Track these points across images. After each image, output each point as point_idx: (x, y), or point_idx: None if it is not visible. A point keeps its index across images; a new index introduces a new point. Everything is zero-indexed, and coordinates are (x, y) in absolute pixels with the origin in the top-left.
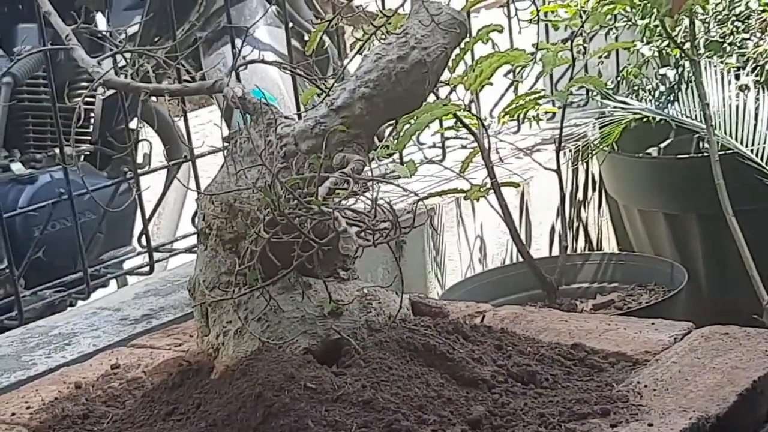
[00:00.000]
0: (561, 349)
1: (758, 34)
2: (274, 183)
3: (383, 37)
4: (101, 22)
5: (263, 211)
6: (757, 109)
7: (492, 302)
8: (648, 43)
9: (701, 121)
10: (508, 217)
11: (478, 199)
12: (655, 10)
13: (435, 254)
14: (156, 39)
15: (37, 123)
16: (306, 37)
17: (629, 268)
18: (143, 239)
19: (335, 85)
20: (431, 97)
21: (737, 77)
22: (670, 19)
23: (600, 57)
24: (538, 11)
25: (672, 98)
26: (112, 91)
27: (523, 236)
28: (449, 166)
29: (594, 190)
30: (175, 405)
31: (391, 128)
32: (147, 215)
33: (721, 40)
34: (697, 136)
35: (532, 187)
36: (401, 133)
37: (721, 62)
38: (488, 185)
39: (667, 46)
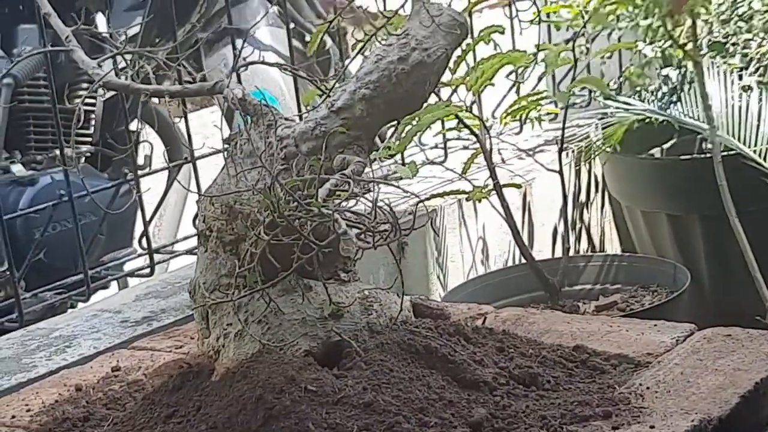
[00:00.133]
0: (563, 351)
1: (761, 35)
2: (274, 185)
3: (384, 38)
4: (102, 23)
5: (263, 213)
6: (760, 109)
7: (494, 304)
8: (650, 43)
9: (704, 122)
10: (511, 219)
11: (480, 201)
12: (656, 11)
13: (437, 256)
14: (157, 40)
15: (38, 124)
16: (307, 38)
17: (632, 269)
18: (144, 241)
19: (336, 86)
20: (433, 98)
21: (740, 78)
22: (671, 20)
23: (602, 57)
24: (539, 12)
25: (675, 99)
26: (112, 93)
27: (525, 238)
28: (451, 167)
29: (597, 191)
30: (175, 407)
31: (393, 129)
32: (148, 217)
33: (724, 40)
34: (700, 136)
35: (534, 188)
36: (403, 134)
37: (724, 63)
38: (490, 186)
39: (670, 46)
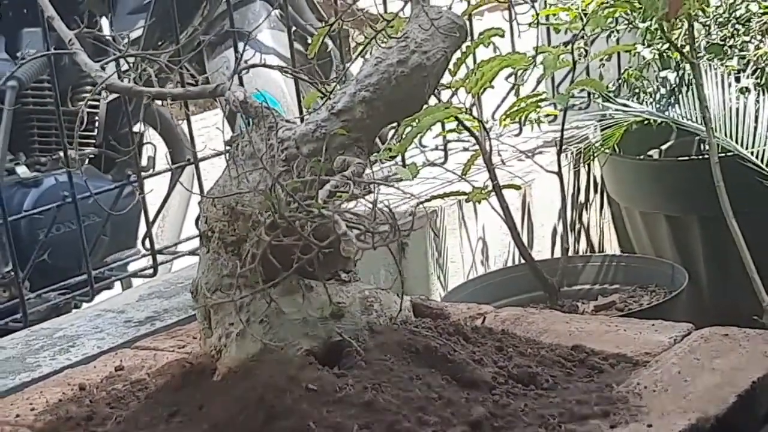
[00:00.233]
0: (561, 350)
1: (759, 37)
2: (275, 186)
3: (384, 41)
4: (105, 26)
5: (264, 214)
6: (757, 111)
7: (494, 304)
8: (649, 45)
9: (702, 124)
10: (510, 220)
11: (480, 202)
12: (654, 14)
13: (437, 256)
14: (160, 43)
15: (42, 126)
16: (309, 41)
17: (630, 269)
18: (147, 242)
19: (337, 88)
20: (433, 100)
21: (738, 80)
22: (668, 23)
23: (601, 60)
24: (537, 15)
25: (673, 101)
26: (116, 95)
27: (524, 238)
28: (451, 169)
29: (595, 192)
30: (178, 406)
31: (393, 131)
32: (151, 218)
33: (722, 42)
34: (698, 138)
35: (533, 190)
36: (403, 136)
37: (722, 65)
38: (490, 188)
39: (668, 49)
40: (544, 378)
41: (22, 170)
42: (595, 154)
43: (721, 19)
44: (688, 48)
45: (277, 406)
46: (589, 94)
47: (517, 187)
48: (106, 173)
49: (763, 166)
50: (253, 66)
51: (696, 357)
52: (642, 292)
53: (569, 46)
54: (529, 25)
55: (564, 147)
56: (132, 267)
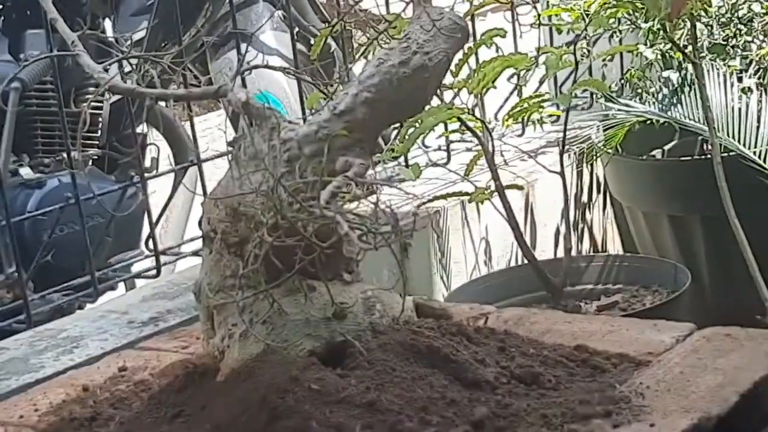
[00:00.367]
0: (564, 350)
1: (761, 37)
2: (277, 187)
3: (386, 42)
4: (108, 27)
5: (267, 215)
6: (759, 111)
7: (497, 304)
8: (651, 46)
9: (704, 124)
10: (513, 220)
11: (482, 202)
12: (655, 13)
13: (440, 256)
14: (163, 44)
15: (45, 128)
16: (312, 41)
17: (633, 269)
18: (150, 243)
19: (339, 89)
20: (436, 101)
21: (740, 80)
22: (670, 23)
23: (603, 60)
24: (539, 15)
25: (675, 101)
26: (119, 96)
27: (527, 238)
28: (454, 169)
29: (598, 192)
30: (181, 407)
31: (396, 131)
32: (154, 219)
33: (724, 42)
34: (700, 138)
35: (536, 190)
36: (406, 137)
37: (724, 65)
38: (493, 188)
39: (670, 49)
40: (547, 378)
41: (25, 171)
42: (598, 154)
43: (723, 19)
44: (690, 48)
45: (280, 406)
46: (591, 94)
47: (520, 188)
48: (110, 174)
49: (766, 166)
50: (256, 67)
51: (698, 357)
52: (645, 292)
53: (572, 47)
54: (531, 25)
55: (567, 147)
56: (135, 268)
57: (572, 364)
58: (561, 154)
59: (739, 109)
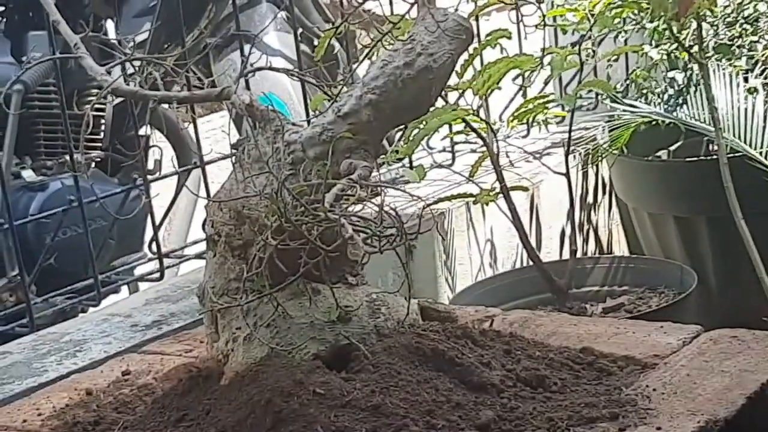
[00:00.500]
0: (570, 353)
1: (767, 37)
2: (282, 190)
3: (391, 43)
4: (111, 28)
5: (271, 218)
6: (766, 111)
7: (502, 306)
8: (657, 46)
9: (710, 124)
10: (518, 221)
11: (487, 203)
12: (662, 14)
13: (445, 258)
14: (166, 45)
15: (48, 130)
16: (316, 43)
17: (639, 271)
18: (154, 245)
19: (343, 91)
20: (440, 102)
21: (746, 80)
22: (677, 23)
23: (609, 60)
24: (544, 16)
25: (681, 101)
26: (122, 98)
27: (533, 240)
28: (459, 171)
29: (604, 193)
30: (185, 411)
31: (400, 133)
32: (157, 221)
33: (730, 43)
34: (706, 139)
35: (541, 191)
36: (411, 138)
37: (730, 65)
38: (498, 189)
39: (676, 49)
40: (553, 381)
41: (28, 174)
42: (603, 155)
43: (729, 19)
44: (696, 48)
45: (285, 410)
46: (596, 94)
47: (525, 189)
48: (113, 177)
49: None
50: (260, 69)
51: (705, 359)
52: (651, 294)
53: (577, 47)
54: (536, 26)
55: (572, 148)
56: (138, 271)
57: (578, 367)
58: (566, 155)
59: (745, 110)
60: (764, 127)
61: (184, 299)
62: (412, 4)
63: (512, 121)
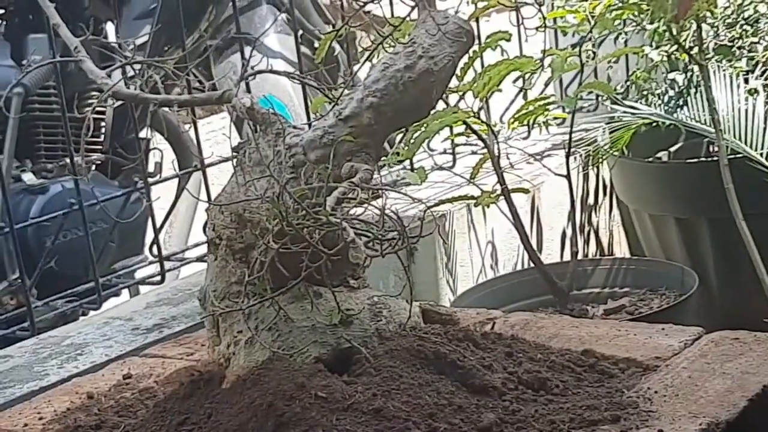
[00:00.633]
0: (571, 355)
1: (767, 38)
2: (283, 193)
3: (392, 45)
4: (111, 30)
5: (272, 221)
6: (766, 113)
7: (503, 308)
8: (657, 47)
9: (710, 126)
10: (519, 223)
11: (488, 205)
12: (661, 15)
13: (446, 260)
14: (166, 48)
15: (48, 133)
16: (316, 45)
17: (640, 272)
18: (155, 248)
19: (344, 94)
20: (441, 105)
21: (746, 81)
22: (676, 25)
23: (609, 62)
24: (545, 18)
25: (681, 102)
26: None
27: (534, 242)
28: (460, 173)
29: (604, 194)
30: (186, 415)
31: (402, 135)
32: (158, 224)
33: (730, 44)
34: (706, 140)
35: (542, 193)
36: (412, 141)
37: (730, 66)
38: (498, 191)
39: (676, 50)
40: (554, 383)
41: (28, 177)
42: (604, 157)
43: (729, 21)
44: (696, 50)
45: (287, 413)
46: (597, 96)
47: (526, 191)
48: (113, 180)
49: None
50: (260, 72)
51: (706, 361)
52: (652, 295)
53: (577, 49)
54: (537, 28)
55: (572, 150)
56: (139, 274)
57: (580, 369)
58: (567, 157)
59: (746, 111)
60: (765, 129)
61: (185, 302)
62: (413, 7)
63: (513, 123)
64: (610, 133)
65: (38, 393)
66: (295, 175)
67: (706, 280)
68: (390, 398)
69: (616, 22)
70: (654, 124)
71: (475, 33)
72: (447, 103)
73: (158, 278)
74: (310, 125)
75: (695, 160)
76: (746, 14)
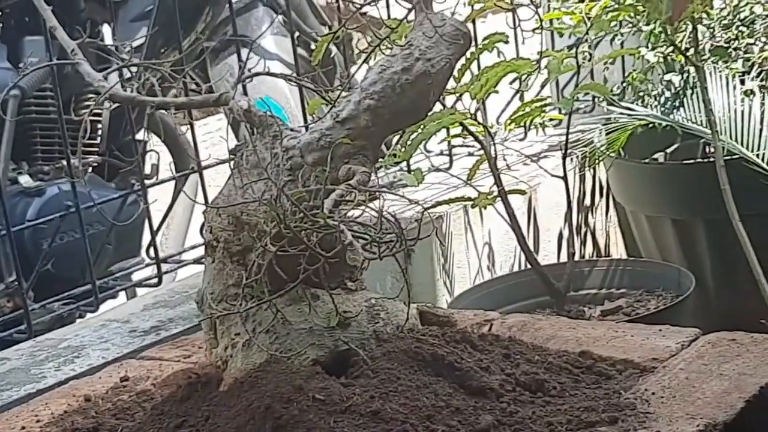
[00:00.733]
0: (568, 356)
1: (763, 39)
2: (280, 196)
3: (389, 47)
4: (107, 33)
5: (270, 224)
6: (762, 114)
7: (500, 309)
8: (653, 49)
9: (707, 127)
10: (516, 224)
11: (485, 207)
12: (656, 16)
13: (443, 262)
14: (162, 50)
15: (45, 135)
16: (313, 47)
17: (637, 273)
18: (151, 250)
19: (341, 96)
20: (438, 106)
21: (742, 82)
22: (671, 26)
23: (605, 63)
24: (541, 20)
25: (677, 104)
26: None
27: (530, 243)
28: (456, 174)
29: (601, 196)
30: (184, 417)
31: (398, 137)
32: (155, 226)
33: (726, 45)
34: (703, 141)
35: (539, 194)
36: (409, 142)
37: (726, 67)
38: (495, 192)
39: (672, 52)
40: (552, 385)
41: (25, 179)
42: (600, 158)
43: (725, 22)
44: (692, 51)
45: (284, 416)
46: (593, 97)
47: (523, 192)
48: (110, 182)
49: None
50: (256, 75)
51: (704, 362)
52: (649, 297)
53: (573, 50)
54: (533, 30)
55: (569, 151)
56: (136, 276)
57: (577, 371)
58: (563, 158)
59: (742, 112)
60: (761, 130)
61: (182, 304)
62: (410, 9)
63: (509, 124)
64: (607, 134)
65: (35, 396)
66: (292, 178)
67: (703, 281)
68: (388, 400)
69: (613, 24)
70: (650, 125)
71: (472, 35)
72: (444, 105)
73: (155, 280)
74: (307, 127)
75: (692, 161)
76: (742, 15)
